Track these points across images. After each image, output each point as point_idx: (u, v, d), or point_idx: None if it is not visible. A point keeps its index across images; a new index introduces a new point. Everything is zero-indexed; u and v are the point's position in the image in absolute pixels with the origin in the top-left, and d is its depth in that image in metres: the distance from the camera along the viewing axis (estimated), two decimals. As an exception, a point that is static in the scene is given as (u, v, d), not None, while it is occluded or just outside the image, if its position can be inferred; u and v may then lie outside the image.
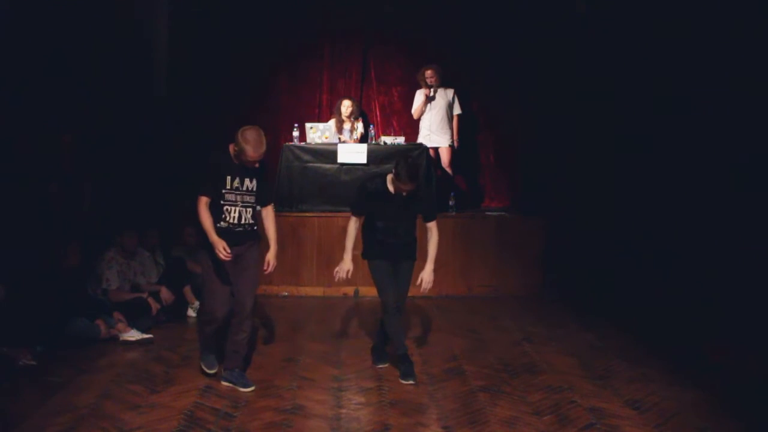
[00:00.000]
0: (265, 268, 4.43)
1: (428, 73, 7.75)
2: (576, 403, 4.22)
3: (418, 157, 7.34)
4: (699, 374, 4.74)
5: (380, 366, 4.87)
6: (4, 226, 5.63)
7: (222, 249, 4.10)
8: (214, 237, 4.14)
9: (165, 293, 5.99)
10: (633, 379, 4.67)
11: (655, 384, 4.55)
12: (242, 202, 4.29)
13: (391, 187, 4.56)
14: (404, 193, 4.50)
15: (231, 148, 4.23)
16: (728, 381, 4.61)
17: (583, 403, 4.22)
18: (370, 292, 7.22)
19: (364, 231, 4.73)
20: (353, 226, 4.68)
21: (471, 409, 4.14)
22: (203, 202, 4.19)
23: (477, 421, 3.95)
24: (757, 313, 5.56)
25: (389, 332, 4.74)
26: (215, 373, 4.55)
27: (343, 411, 4.11)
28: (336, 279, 4.72)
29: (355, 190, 4.82)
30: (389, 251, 4.67)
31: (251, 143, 4.12)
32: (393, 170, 4.46)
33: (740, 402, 4.27)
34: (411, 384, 4.54)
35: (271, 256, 4.42)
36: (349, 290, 7.21)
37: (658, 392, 4.41)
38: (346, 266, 4.68)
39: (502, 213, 7.78)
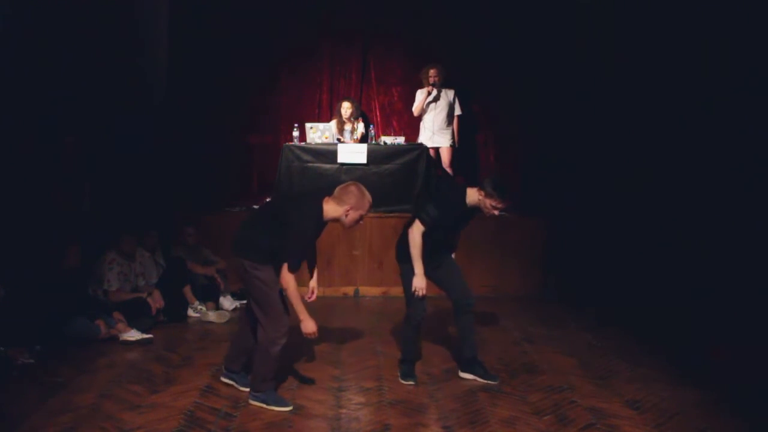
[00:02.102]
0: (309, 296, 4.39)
1: (432, 72, 7.77)
2: (576, 403, 4.23)
3: (419, 157, 7.37)
4: (699, 374, 4.74)
5: (408, 382, 4.58)
6: (5, 227, 5.63)
7: (312, 332, 4.04)
8: (305, 315, 4.02)
9: (156, 297, 5.92)
10: (633, 379, 4.67)
11: (655, 384, 4.56)
12: None
13: (470, 201, 4.38)
14: (496, 212, 4.36)
15: (328, 207, 4.02)
16: (728, 381, 4.61)
17: (583, 403, 4.22)
18: (369, 291, 7.24)
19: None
20: (421, 237, 4.33)
21: (471, 409, 4.14)
22: (292, 276, 3.94)
23: (477, 421, 3.95)
24: (757, 313, 5.57)
25: (403, 340, 4.67)
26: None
27: (343, 411, 4.11)
28: (420, 295, 4.40)
29: (434, 200, 4.47)
30: (433, 256, 4.46)
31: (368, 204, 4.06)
32: (489, 190, 4.26)
33: (740, 402, 4.27)
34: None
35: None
36: (349, 290, 7.22)
37: (658, 392, 4.41)
38: (423, 282, 4.38)
39: (502, 213, 7.76)
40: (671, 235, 6.73)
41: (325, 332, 5.78)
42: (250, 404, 4.13)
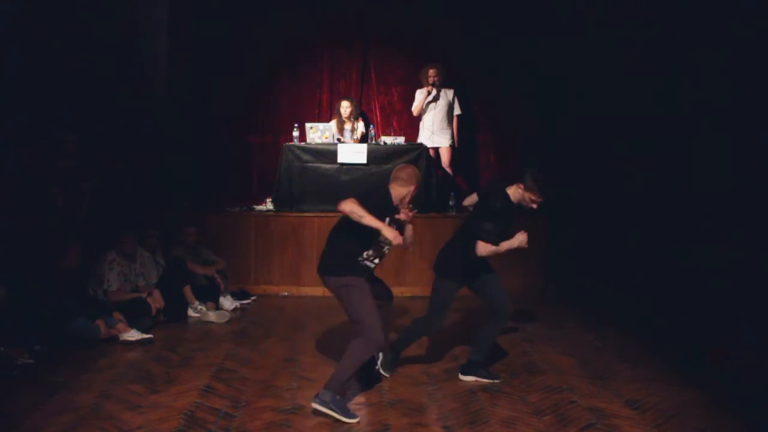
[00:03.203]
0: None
1: (432, 71, 7.77)
2: (576, 403, 4.22)
3: (419, 157, 7.37)
4: (699, 374, 4.74)
5: (384, 373, 4.64)
6: (5, 227, 5.63)
7: (393, 237, 4.01)
8: (379, 224, 3.99)
9: (156, 297, 5.92)
10: (633, 379, 4.67)
11: (655, 384, 4.55)
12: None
13: (514, 199, 4.38)
14: (535, 206, 4.37)
15: (396, 191, 4.22)
16: (728, 381, 4.62)
17: (583, 403, 4.22)
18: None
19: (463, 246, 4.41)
20: (488, 247, 4.31)
21: (471, 409, 4.14)
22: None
23: (477, 421, 3.95)
24: (757, 313, 5.56)
25: (410, 336, 4.70)
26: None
27: (343, 411, 4.10)
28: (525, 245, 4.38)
29: (483, 215, 4.39)
30: (478, 266, 4.44)
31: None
32: (529, 184, 4.28)
33: (740, 402, 4.27)
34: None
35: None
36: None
37: (658, 392, 4.41)
38: (524, 235, 4.39)
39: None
40: (671, 235, 6.72)
41: (325, 332, 5.80)
42: (249, 404, 4.12)
